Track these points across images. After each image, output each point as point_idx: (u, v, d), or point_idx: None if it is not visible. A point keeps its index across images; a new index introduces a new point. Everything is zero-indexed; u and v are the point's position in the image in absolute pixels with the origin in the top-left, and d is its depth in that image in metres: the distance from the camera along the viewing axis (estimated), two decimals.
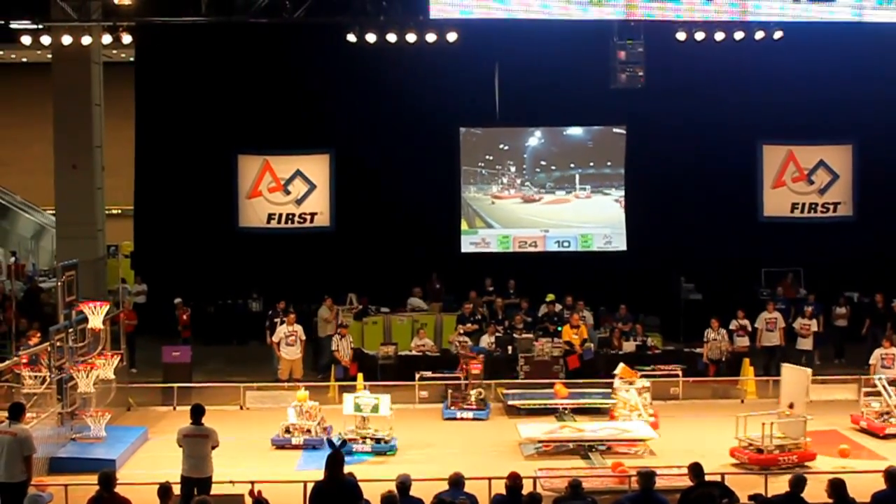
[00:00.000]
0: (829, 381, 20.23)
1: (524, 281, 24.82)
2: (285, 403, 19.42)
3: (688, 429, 17.64)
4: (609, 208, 26.69)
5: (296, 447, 16.75)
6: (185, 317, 23.08)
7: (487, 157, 26.77)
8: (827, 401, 19.54)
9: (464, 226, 26.70)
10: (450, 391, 19.08)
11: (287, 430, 16.99)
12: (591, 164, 26.76)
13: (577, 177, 26.69)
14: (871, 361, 20.17)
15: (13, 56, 36.52)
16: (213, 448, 12.98)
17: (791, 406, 16.40)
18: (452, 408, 18.76)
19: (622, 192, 26.62)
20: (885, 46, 22.79)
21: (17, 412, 12.89)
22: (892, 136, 25.57)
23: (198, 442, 12.91)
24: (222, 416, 18.29)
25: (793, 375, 17.20)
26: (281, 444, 16.86)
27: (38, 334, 18.59)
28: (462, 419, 18.53)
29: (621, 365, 18.38)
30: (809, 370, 17.39)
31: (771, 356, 21.87)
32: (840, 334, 23.45)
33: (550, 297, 23.41)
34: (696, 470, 11.13)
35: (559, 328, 22.14)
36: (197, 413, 13.15)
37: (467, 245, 26.65)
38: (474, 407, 18.74)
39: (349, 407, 16.86)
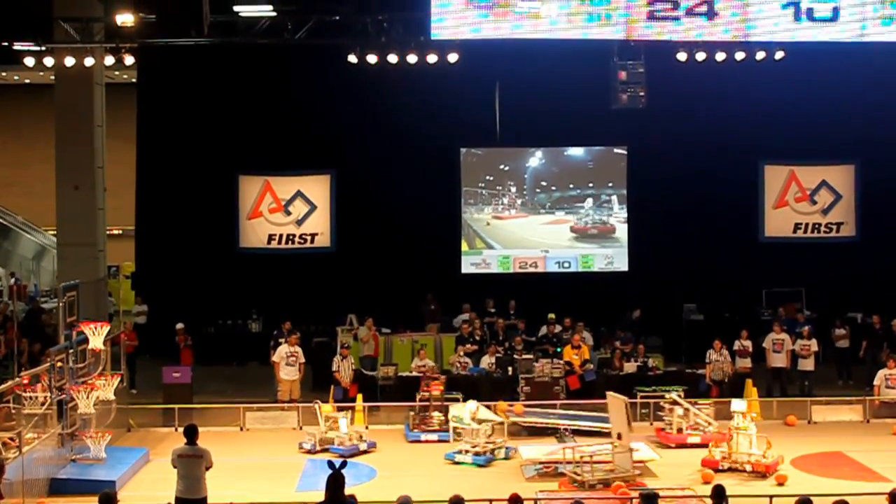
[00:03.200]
0: (833, 402, 20.17)
1: (525, 302, 24.77)
2: (286, 424, 19.45)
3: (690, 450, 17.51)
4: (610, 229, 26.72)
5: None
6: (182, 344, 22.87)
7: (488, 177, 26.78)
8: (832, 422, 19.52)
9: (464, 246, 26.68)
10: (411, 413, 19.02)
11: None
12: (592, 184, 26.76)
13: (588, 199, 26.72)
14: (875, 382, 20.18)
15: (16, 77, 36.65)
16: (208, 468, 12.91)
17: (619, 436, 16.05)
18: (416, 430, 18.63)
19: (624, 213, 26.61)
20: (886, 66, 22.83)
21: None
22: (895, 155, 25.57)
23: (192, 462, 12.82)
24: (222, 437, 18.26)
25: (614, 404, 16.50)
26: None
27: None
28: (427, 441, 18.36)
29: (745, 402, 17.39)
30: (625, 398, 16.57)
31: (775, 378, 21.82)
32: (842, 355, 23.36)
33: (551, 316, 23.38)
34: (718, 491, 11.02)
35: (558, 349, 22.09)
36: (191, 433, 13.06)
37: (468, 266, 26.62)
38: (437, 428, 18.69)
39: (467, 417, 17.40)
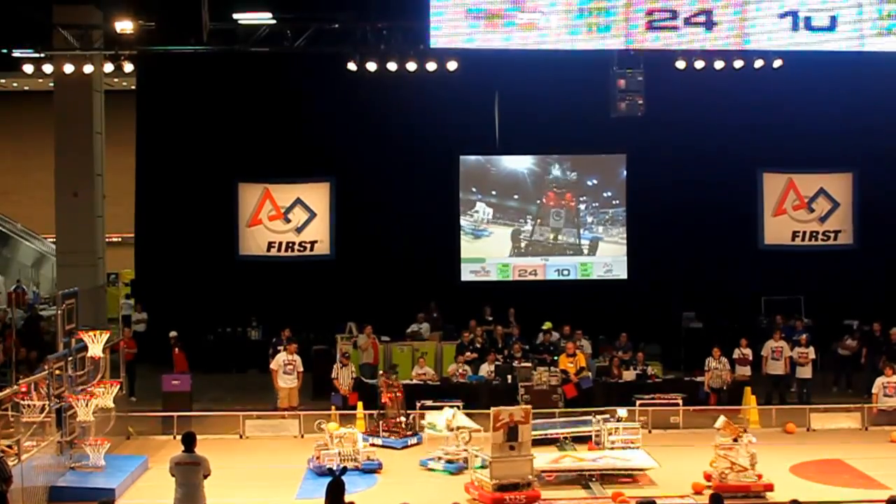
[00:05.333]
0: (832, 409, 20.19)
1: (524, 309, 24.76)
2: (285, 432, 19.45)
3: (689, 458, 17.52)
4: (609, 237, 26.72)
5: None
6: (176, 351, 22.75)
7: (487, 185, 26.76)
8: (831, 430, 19.53)
9: (463, 254, 26.64)
10: (380, 422, 18.83)
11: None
12: (591, 192, 26.78)
13: (580, 207, 26.77)
14: (873, 390, 20.20)
15: (15, 84, 36.75)
16: (206, 476, 12.82)
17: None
18: (392, 437, 18.51)
19: (623, 220, 26.61)
20: (884, 75, 22.88)
21: None
22: (892, 164, 25.69)
23: (190, 470, 12.75)
24: (222, 444, 18.26)
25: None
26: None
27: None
28: (412, 445, 18.34)
29: (723, 418, 16.46)
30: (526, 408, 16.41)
31: (775, 385, 21.83)
32: (842, 363, 23.35)
33: (547, 325, 23.39)
34: (715, 500, 11.04)
35: (556, 357, 22.11)
36: (188, 441, 12.98)
37: (467, 273, 26.60)
38: (410, 433, 18.75)
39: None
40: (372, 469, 16.94)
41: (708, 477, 15.96)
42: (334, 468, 11.16)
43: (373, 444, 17.97)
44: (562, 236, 26.74)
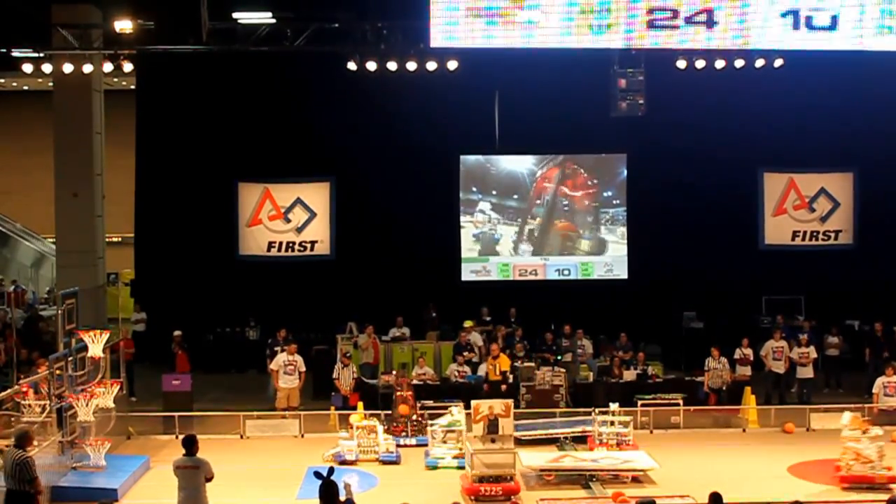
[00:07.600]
0: (832, 409, 20.17)
1: (525, 309, 24.74)
2: (285, 432, 19.42)
3: (689, 458, 17.53)
4: (610, 236, 26.71)
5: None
6: (178, 352, 22.64)
7: (487, 184, 26.74)
8: (831, 430, 19.50)
9: (464, 254, 26.62)
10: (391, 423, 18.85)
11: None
12: (591, 192, 26.77)
13: (581, 206, 26.76)
14: (874, 390, 20.18)
15: (14, 84, 36.70)
16: (209, 480, 12.76)
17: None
18: (423, 435, 18.50)
19: (623, 220, 26.60)
20: (885, 74, 22.89)
21: None
22: (893, 163, 25.65)
23: (191, 473, 12.69)
24: (222, 445, 18.24)
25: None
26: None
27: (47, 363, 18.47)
28: (410, 445, 18.35)
29: (849, 414, 16.64)
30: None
31: (775, 384, 21.81)
32: (832, 363, 23.32)
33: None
34: (715, 500, 11.03)
35: (559, 357, 22.11)
36: (189, 444, 12.92)
37: (468, 273, 26.57)
38: (405, 433, 18.77)
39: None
40: (390, 461, 17.21)
41: (839, 470, 16.10)
42: (321, 470, 11.05)
43: None
44: (561, 236, 26.72)
